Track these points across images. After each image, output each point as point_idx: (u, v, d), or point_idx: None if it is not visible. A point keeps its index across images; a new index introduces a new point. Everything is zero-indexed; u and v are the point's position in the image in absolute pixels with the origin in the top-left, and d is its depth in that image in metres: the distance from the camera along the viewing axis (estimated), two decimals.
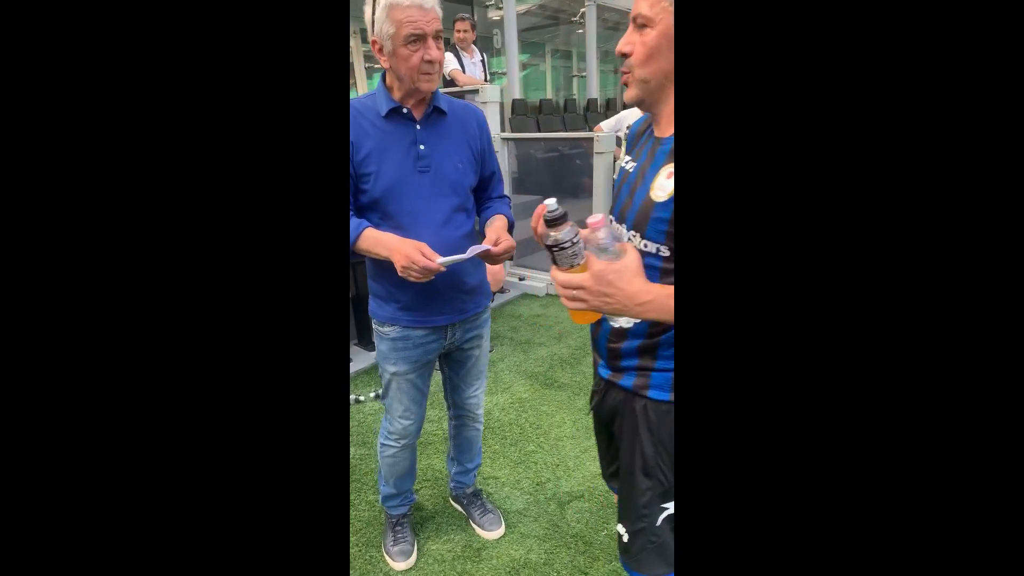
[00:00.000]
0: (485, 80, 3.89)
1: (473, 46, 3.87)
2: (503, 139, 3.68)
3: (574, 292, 0.70)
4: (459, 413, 1.56)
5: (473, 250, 1.14)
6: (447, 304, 1.31)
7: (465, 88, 3.50)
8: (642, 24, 0.75)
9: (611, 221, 0.89)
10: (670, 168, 0.77)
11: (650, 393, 0.85)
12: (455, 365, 1.47)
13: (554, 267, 0.73)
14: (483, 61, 3.98)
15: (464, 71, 3.73)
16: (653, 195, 0.78)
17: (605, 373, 0.94)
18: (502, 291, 3.60)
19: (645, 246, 0.80)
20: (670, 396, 0.84)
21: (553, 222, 0.71)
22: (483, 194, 1.37)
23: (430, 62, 1.12)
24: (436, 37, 1.12)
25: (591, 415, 1.08)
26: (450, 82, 3.70)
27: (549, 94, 11.03)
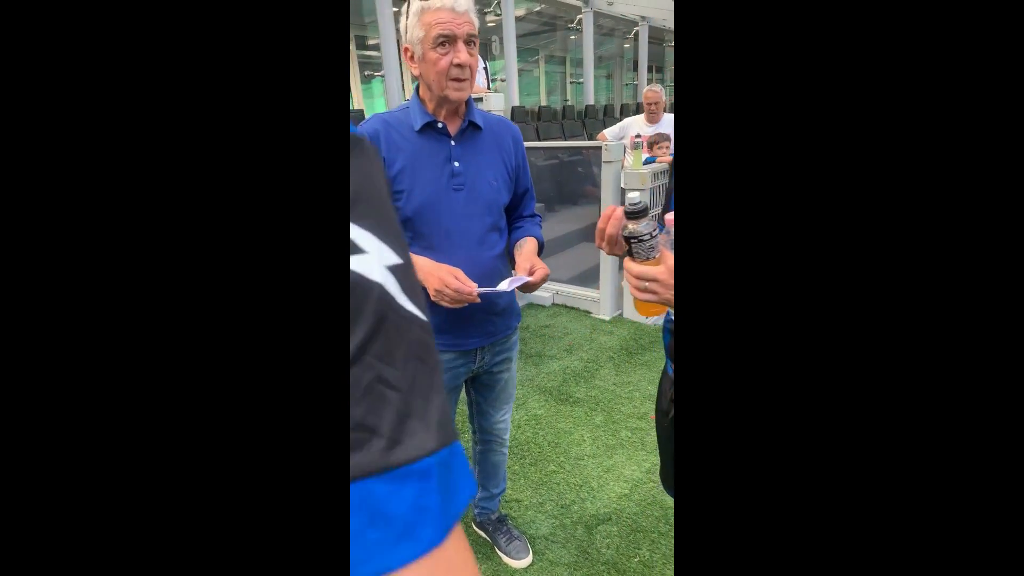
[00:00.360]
0: (488, 88, 3.85)
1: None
2: None
3: (647, 284, 0.72)
4: (486, 438, 1.50)
5: (513, 283, 1.09)
6: (477, 327, 1.25)
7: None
8: None
9: None
10: None
11: None
12: (483, 389, 1.41)
13: (628, 258, 0.76)
14: (485, 69, 3.94)
15: None
16: None
17: None
18: None
19: None
20: None
21: (634, 215, 0.74)
22: (514, 212, 1.32)
23: (460, 66, 1.07)
24: (468, 42, 1.07)
25: (661, 426, 1.06)
26: None
27: (543, 100, 11.03)
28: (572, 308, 3.51)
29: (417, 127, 1.14)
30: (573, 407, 2.36)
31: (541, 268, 1.14)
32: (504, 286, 1.09)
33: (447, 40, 1.05)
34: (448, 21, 1.03)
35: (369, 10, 5.53)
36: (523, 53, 9.90)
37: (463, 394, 1.46)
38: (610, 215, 0.80)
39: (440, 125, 1.15)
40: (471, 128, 1.18)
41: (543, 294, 3.62)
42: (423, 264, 1.09)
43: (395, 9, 4.67)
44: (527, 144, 4.52)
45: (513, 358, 1.39)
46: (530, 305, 3.60)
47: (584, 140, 6.03)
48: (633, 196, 0.75)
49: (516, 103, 6.26)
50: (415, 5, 1.05)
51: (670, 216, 0.75)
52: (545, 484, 1.88)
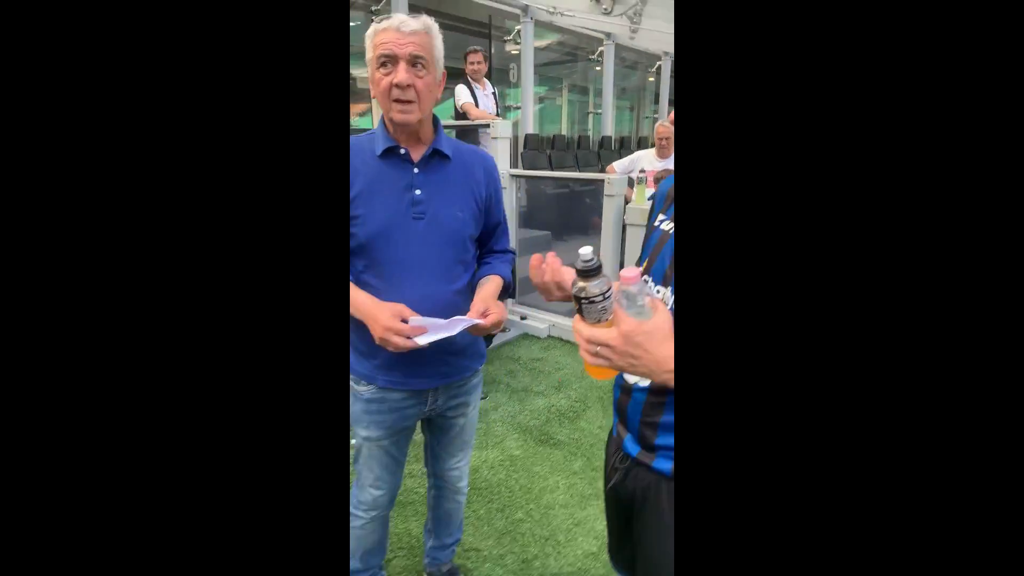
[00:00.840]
0: (497, 114, 3.83)
1: (485, 79, 3.81)
2: (511, 175, 3.58)
3: (598, 349, 0.65)
4: (439, 484, 1.40)
5: (458, 324, 1.01)
6: (430, 366, 1.16)
7: (476, 122, 3.42)
8: None
9: (647, 280, 0.84)
10: None
11: None
12: (436, 432, 1.32)
13: (578, 318, 0.68)
14: (494, 94, 3.93)
15: (478, 104, 3.67)
16: None
17: (634, 451, 0.83)
18: (503, 330, 3.45)
19: None
20: None
21: (588, 273, 0.65)
22: (483, 246, 1.24)
23: (399, 87, 1.01)
24: (412, 63, 1.01)
25: (605, 495, 0.97)
26: (462, 115, 3.63)
27: (564, 129, 11.08)
28: (567, 342, 3.40)
29: (379, 152, 1.08)
30: (552, 449, 2.24)
31: (495, 312, 1.06)
32: (447, 327, 1.01)
33: (388, 60, 1.01)
34: (391, 41, 1.00)
35: None
36: (547, 82, 9.99)
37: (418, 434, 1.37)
38: (536, 265, 0.77)
39: (403, 151, 1.09)
40: (437, 156, 1.12)
41: (539, 325, 3.53)
42: (364, 305, 1.02)
43: None
44: (536, 172, 4.48)
45: (472, 403, 1.30)
46: (524, 336, 3.51)
47: (597, 171, 5.99)
48: (585, 252, 0.66)
49: (531, 130, 6.26)
50: (371, 28, 1.03)
51: (625, 272, 0.66)
52: (509, 533, 1.77)
